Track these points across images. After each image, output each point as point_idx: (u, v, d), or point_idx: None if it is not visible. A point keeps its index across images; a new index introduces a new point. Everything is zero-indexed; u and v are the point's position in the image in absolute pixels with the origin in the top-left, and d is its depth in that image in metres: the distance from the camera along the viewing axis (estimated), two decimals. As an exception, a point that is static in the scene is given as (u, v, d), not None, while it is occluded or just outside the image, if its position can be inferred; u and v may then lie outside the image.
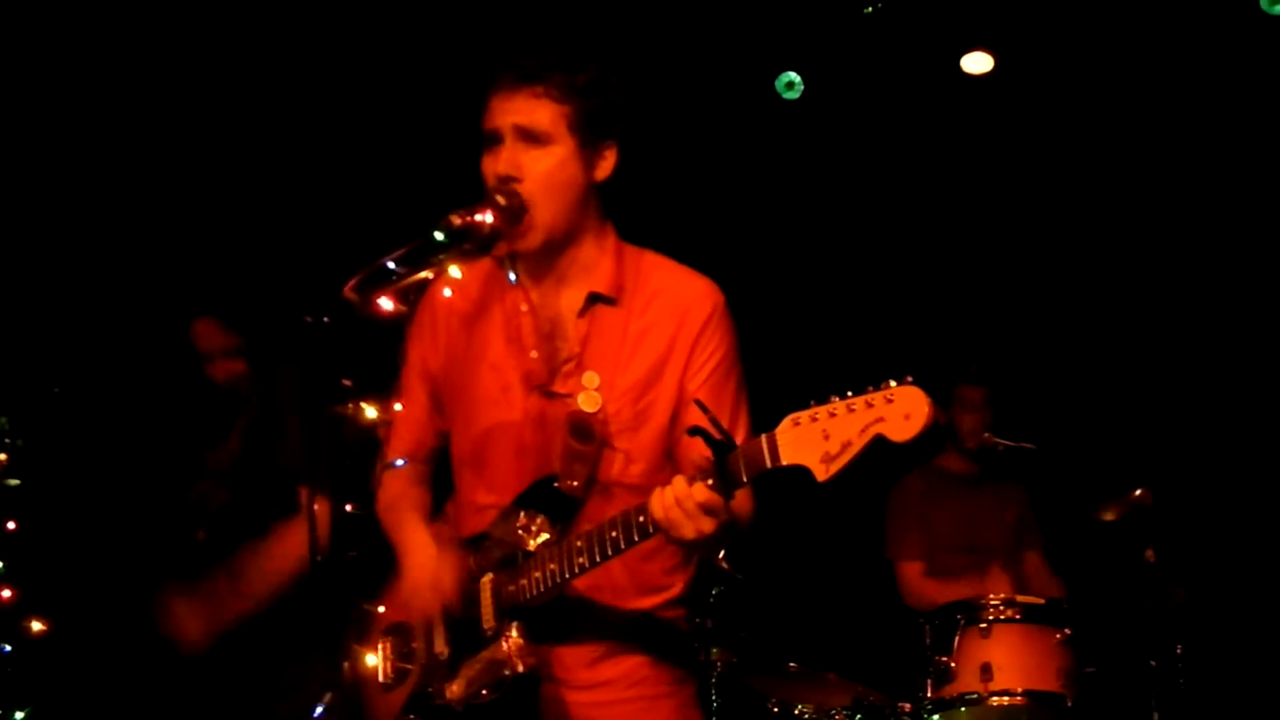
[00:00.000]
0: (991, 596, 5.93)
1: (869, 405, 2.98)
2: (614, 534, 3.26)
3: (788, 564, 7.21)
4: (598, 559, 3.29)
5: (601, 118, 3.51)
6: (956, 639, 5.80)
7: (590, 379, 3.49)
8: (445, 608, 3.53)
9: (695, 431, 3.12)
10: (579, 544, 3.32)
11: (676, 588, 3.62)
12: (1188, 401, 7.54)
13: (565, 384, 3.53)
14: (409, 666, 3.59)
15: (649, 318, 3.54)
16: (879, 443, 2.98)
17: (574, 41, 3.61)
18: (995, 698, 5.70)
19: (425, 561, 3.57)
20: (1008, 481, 6.95)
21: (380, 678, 3.63)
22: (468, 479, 3.66)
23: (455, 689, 3.45)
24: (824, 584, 7.56)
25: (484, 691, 3.40)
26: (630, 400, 3.50)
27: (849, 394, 3.02)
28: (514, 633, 3.39)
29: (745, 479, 3.10)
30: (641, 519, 3.21)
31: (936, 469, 7.00)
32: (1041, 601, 5.99)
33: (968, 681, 5.75)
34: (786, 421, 3.06)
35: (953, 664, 5.79)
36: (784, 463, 3.04)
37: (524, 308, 3.59)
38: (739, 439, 3.35)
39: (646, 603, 3.57)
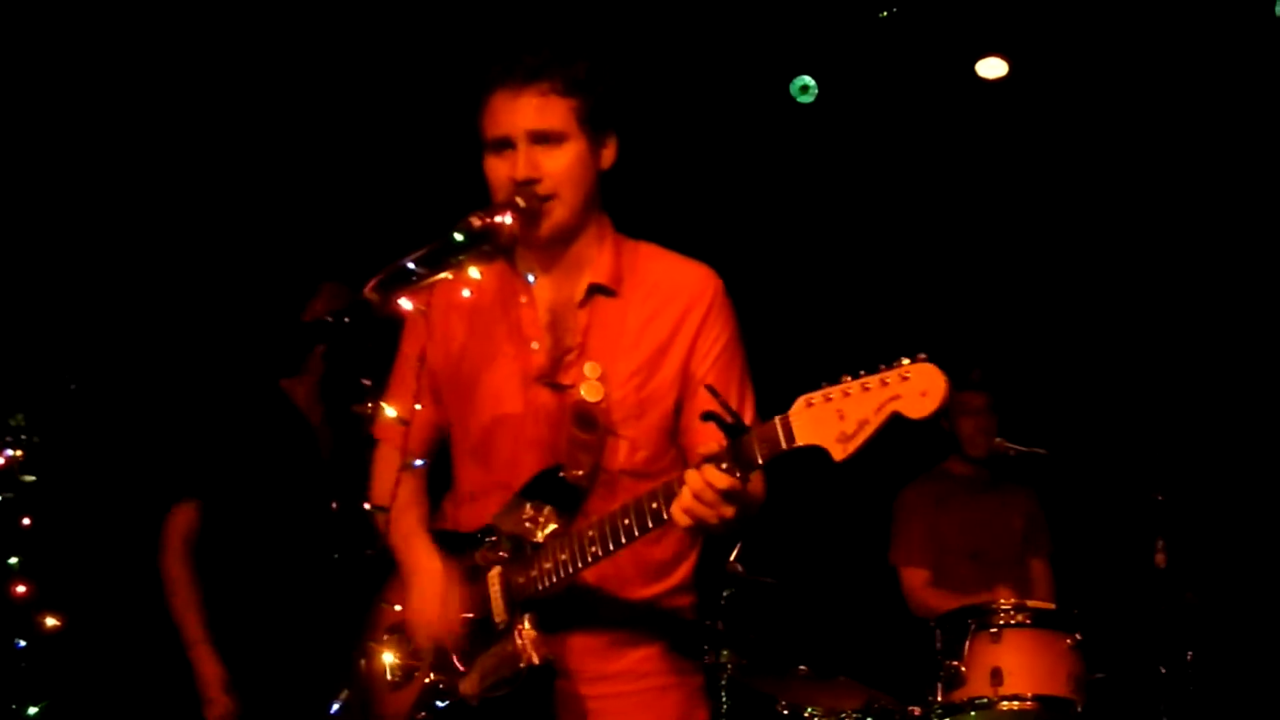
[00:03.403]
0: (1002, 601, 5.93)
1: (884, 383, 2.97)
2: (626, 521, 3.27)
3: (798, 567, 7.21)
4: (611, 547, 3.30)
5: (604, 108, 3.55)
6: (967, 644, 5.80)
7: (592, 369, 3.50)
8: (450, 638, 3.52)
9: (708, 416, 3.10)
10: (591, 533, 3.33)
11: (681, 573, 3.64)
12: (1197, 404, 7.54)
13: (568, 375, 3.54)
14: (416, 663, 3.58)
15: (650, 306, 3.57)
16: (896, 420, 2.96)
17: (565, 37, 3.64)
18: (1005, 702, 5.69)
19: (432, 588, 3.56)
20: (1016, 486, 6.95)
21: (387, 676, 3.62)
22: (471, 472, 3.67)
23: (469, 684, 3.45)
24: (834, 587, 7.56)
25: (499, 685, 3.39)
26: (634, 388, 3.52)
27: (861, 373, 3.01)
28: (527, 625, 3.40)
29: (761, 461, 3.09)
30: (655, 505, 3.23)
31: (943, 474, 7.00)
32: (1052, 607, 6.00)
33: (978, 686, 5.74)
34: (799, 402, 3.05)
35: (963, 668, 5.78)
36: (799, 443, 3.04)
37: (524, 299, 3.61)
38: (747, 421, 3.37)
39: (652, 590, 3.59)
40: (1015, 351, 7.51)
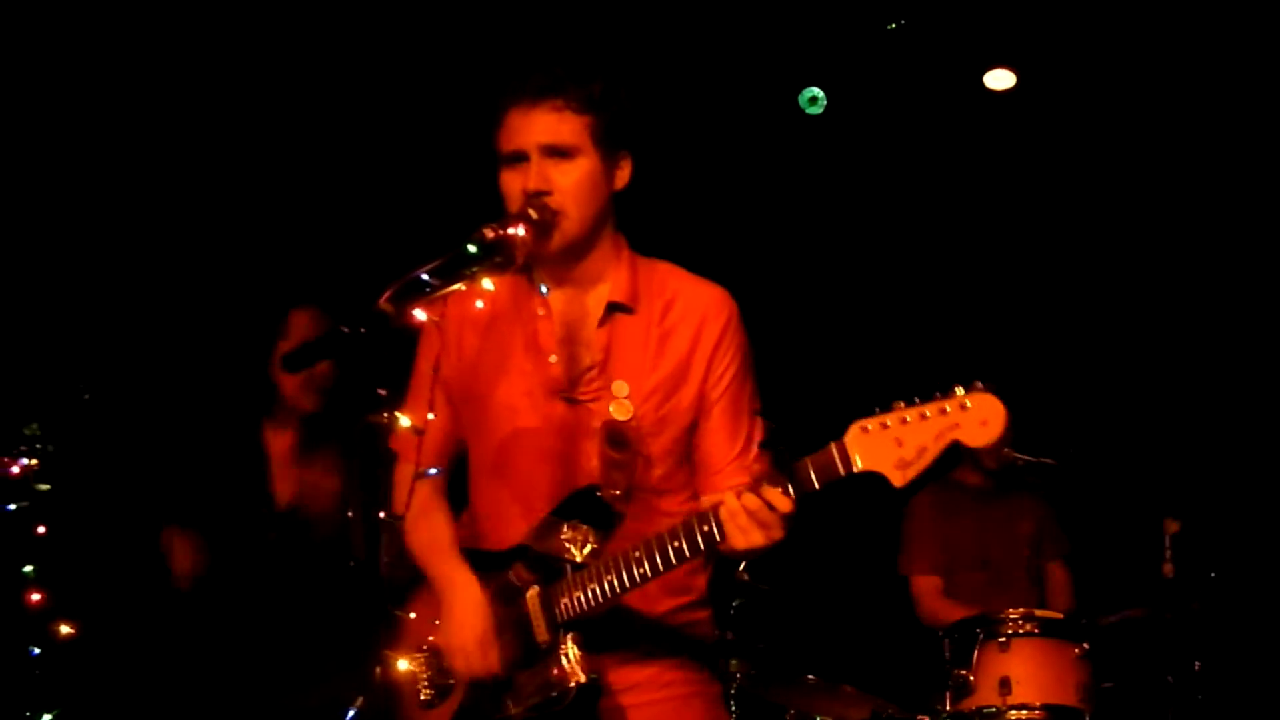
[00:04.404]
0: (1010, 611, 5.94)
1: (943, 411, 3.05)
2: (676, 544, 3.31)
3: (806, 576, 7.22)
4: (660, 569, 3.33)
5: (618, 127, 3.57)
6: (975, 653, 5.82)
7: (620, 388, 3.52)
8: (489, 673, 3.51)
9: (771, 446, 3.19)
10: (637, 554, 3.35)
11: (699, 587, 3.67)
12: (1207, 417, 7.54)
13: (589, 391, 3.56)
14: (451, 683, 3.59)
15: (667, 324, 3.59)
16: (954, 448, 3.05)
17: (581, 55, 3.66)
18: (1014, 712, 5.71)
19: (473, 619, 3.54)
20: (1025, 494, 6.96)
21: (420, 696, 3.62)
22: (490, 488, 3.68)
23: (515, 704, 3.45)
24: (842, 596, 7.57)
25: (547, 705, 3.40)
26: (654, 406, 3.54)
27: (916, 400, 3.08)
28: (571, 644, 3.42)
29: (818, 486, 3.16)
30: (706, 528, 3.27)
31: (952, 483, 7.00)
32: (1060, 616, 6.01)
33: (986, 695, 5.76)
34: (854, 428, 3.12)
35: (971, 678, 5.80)
36: (858, 469, 3.11)
37: (541, 313, 3.62)
38: (754, 443, 3.53)
39: (672, 603, 3.61)
40: (1024, 362, 7.51)
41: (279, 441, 5.49)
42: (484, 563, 3.61)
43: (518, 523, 3.57)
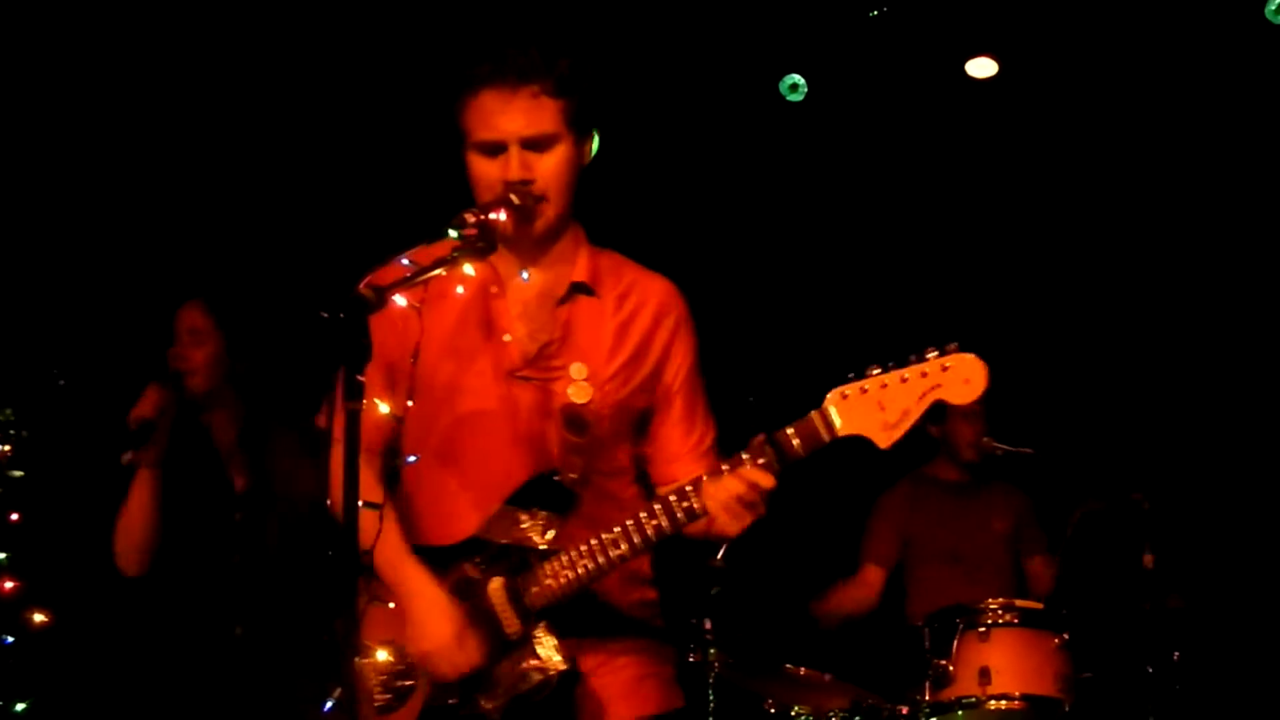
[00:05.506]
0: (990, 601, 5.93)
1: (924, 374, 3.12)
2: (655, 522, 3.31)
3: (785, 565, 7.21)
4: (639, 549, 3.34)
5: (589, 108, 3.56)
6: (955, 642, 5.80)
7: (579, 370, 3.51)
8: (473, 664, 3.43)
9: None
10: (613, 536, 3.34)
11: (644, 564, 3.64)
12: (1185, 406, 7.55)
13: (546, 370, 3.53)
14: (409, 684, 3.49)
15: (626, 310, 3.60)
16: (937, 407, 3.13)
17: (548, 36, 3.63)
18: (993, 701, 5.70)
19: (445, 620, 3.43)
20: (1002, 486, 6.95)
21: (375, 701, 3.50)
22: (434, 474, 3.58)
23: (490, 699, 3.40)
24: (821, 585, 7.55)
25: (529, 695, 3.37)
26: (613, 390, 3.54)
27: (891, 364, 3.14)
28: (546, 632, 3.39)
29: (803, 453, 3.20)
30: (687, 505, 3.28)
31: (926, 476, 7.01)
32: (1040, 606, 6.00)
33: (966, 685, 5.75)
34: (833, 395, 3.18)
35: (951, 667, 5.78)
36: (843, 434, 3.17)
37: (494, 289, 3.58)
38: (709, 431, 3.63)
39: (618, 581, 3.55)
40: (1002, 349, 7.50)
41: (222, 430, 5.33)
42: (437, 559, 3.50)
43: (468, 513, 3.50)
